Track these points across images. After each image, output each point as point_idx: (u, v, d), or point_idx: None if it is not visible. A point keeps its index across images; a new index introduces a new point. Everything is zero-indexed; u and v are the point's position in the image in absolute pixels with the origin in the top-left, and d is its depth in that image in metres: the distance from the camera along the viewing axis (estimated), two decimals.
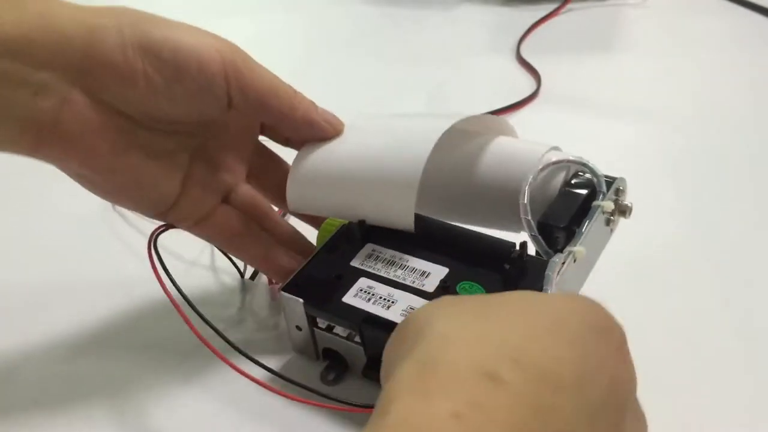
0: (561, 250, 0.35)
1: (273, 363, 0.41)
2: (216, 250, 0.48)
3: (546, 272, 0.33)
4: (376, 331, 0.34)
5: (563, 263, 0.34)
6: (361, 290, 0.36)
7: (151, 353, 0.42)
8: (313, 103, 0.38)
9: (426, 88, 0.71)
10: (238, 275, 0.46)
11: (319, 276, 0.38)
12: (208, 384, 0.40)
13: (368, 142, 0.38)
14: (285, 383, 0.37)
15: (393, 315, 0.35)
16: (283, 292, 0.37)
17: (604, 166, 0.40)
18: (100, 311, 0.44)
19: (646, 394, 0.40)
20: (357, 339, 0.36)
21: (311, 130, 0.38)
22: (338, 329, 0.37)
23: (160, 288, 0.45)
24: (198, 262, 0.48)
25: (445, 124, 0.37)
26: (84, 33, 0.32)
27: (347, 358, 0.38)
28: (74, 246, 0.50)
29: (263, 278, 0.46)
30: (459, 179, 0.40)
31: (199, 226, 0.40)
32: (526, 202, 0.36)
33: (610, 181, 0.38)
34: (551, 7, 0.81)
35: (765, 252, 0.48)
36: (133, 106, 0.35)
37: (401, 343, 0.26)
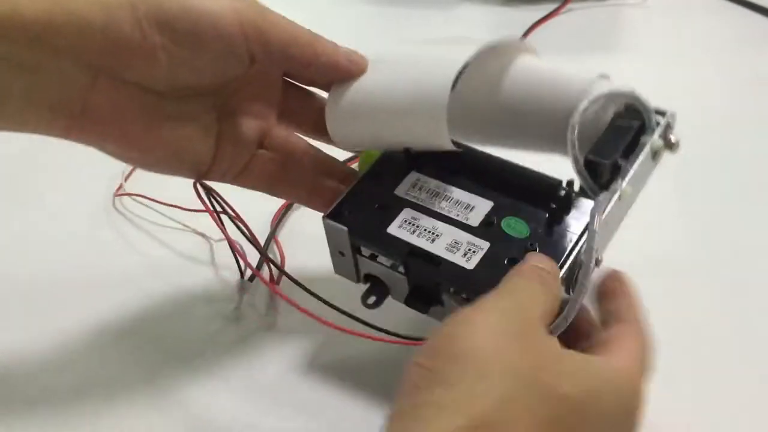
0: (606, 184, 0.35)
1: (271, 359, 0.41)
2: (216, 247, 0.48)
3: (591, 211, 0.33)
4: (422, 264, 0.34)
5: (609, 201, 0.34)
6: (405, 221, 0.36)
7: (157, 349, 0.42)
8: (335, 45, 0.38)
9: None
10: (237, 274, 0.46)
11: (363, 204, 0.37)
12: (223, 376, 0.40)
13: (397, 70, 0.37)
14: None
15: (438, 249, 0.35)
16: (326, 220, 0.37)
17: None
18: (103, 309, 0.44)
19: (647, 394, 0.39)
20: (401, 269, 0.36)
21: (337, 72, 0.38)
22: (382, 258, 0.37)
23: (163, 284, 0.45)
24: (198, 258, 0.48)
25: (472, 49, 0.36)
26: (99, 13, 0.32)
27: (389, 285, 0.38)
28: (77, 244, 0.50)
29: (263, 277, 0.46)
30: (500, 103, 0.39)
31: (240, 179, 0.40)
32: (574, 137, 0.35)
33: (660, 116, 0.37)
34: (551, 7, 0.81)
35: (766, 252, 0.48)
36: (157, 81, 0.34)
37: (436, 378, 0.25)
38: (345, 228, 0.36)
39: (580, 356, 0.29)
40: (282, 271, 0.44)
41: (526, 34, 0.79)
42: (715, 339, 0.42)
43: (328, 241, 0.38)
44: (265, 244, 0.48)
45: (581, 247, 0.34)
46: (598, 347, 0.31)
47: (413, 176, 0.38)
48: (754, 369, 0.41)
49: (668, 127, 0.38)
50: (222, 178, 0.39)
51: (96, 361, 0.42)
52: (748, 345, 0.42)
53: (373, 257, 0.37)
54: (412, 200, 0.37)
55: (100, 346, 0.42)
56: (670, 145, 0.38)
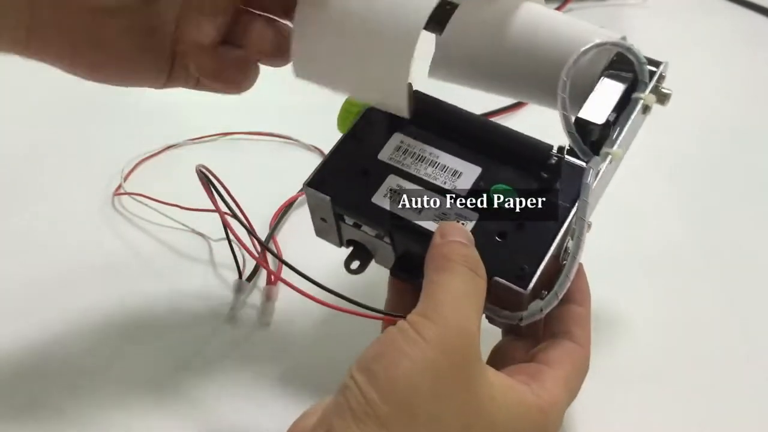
0: (597, 143, 0.34)
1: (266, 360, 0.41)
2: (214, 247, 0.48)
3: (582, 181, 0.32)
4: (408, 236, 0.33)
5: (600, 168, 0.33)
6: (390, 190, 0.34)
7: (153, 348, 0.42)
8: None
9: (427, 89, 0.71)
10: (235, 274, 0.46)
11: (345, 169, 0.35)
12: (218, 376, 0.40)
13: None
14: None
15: (425, 221, 0.33)
16: (308, 188, 0.35)
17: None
18: (100, 308, 0.44)
19: (648, 394, 0.40)
20: (386, 240, 0.35)
21: None
22: (366, 227, 0.35)
23: (161, 284, 0.45)
24: (196, 258, 0.48)
25: None
26: None
27: (373, 251, 0.36)
28: (76, 243, 0.50)
29: (260, 279, 0.46)
30: (495, 45, 0.36)
31: (203, 83, 0.37)
32: (566, 94, 0.33)
33: (654, 68, 0.36)
34: (551, 7, 0.81)
35: (766, 252, 0.48)
36: None
37: (370, 412, 0.26)
38: (327, 197, 0.34)
39: (510, 394, 0.29)
40: (282, 260, 0.43)
41: None
42: (714, 338, 0.42)
43: (310, 207, 0.36)
44: (263, 244, 0.48)
45: (572, 216, 0.32)
46: (541, 365, 0.32)
47: (397, 138, 0.36)
48: (755, 369, 0.41)
49: (661, 79, 0.36)
50: (186, 84, 0.37)
51: (91, 360, 0.42)
52: (749, 345, 0.42)
53: (357, 225, 0.35)
54: (397, 166, 0.35)
55: (96, 345, 0.43)
56: (662, 98, 0.36)
